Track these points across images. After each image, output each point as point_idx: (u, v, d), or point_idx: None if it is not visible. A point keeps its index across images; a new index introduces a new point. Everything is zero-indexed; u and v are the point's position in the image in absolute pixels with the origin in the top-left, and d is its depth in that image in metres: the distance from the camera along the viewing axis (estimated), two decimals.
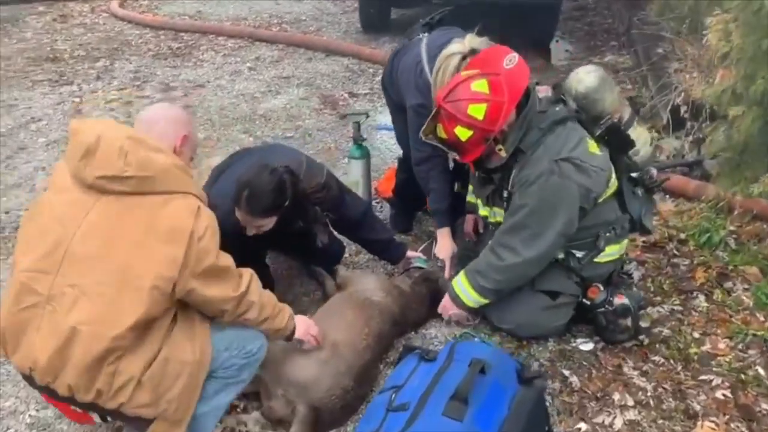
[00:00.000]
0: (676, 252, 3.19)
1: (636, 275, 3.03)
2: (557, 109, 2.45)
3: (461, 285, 2.59)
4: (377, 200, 3.72)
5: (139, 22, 7.60)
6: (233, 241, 2.42)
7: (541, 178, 2.36)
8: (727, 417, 2.28)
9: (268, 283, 2.82)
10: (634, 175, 2.71)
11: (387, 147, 4.24)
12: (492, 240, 2.55)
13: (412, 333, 2.73)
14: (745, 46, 2.82)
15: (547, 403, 2.35)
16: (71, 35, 7.24)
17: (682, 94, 4.06)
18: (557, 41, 7.06)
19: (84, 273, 1.79)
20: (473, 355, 1.99)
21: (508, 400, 1.91)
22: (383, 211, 3.64)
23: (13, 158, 4.31)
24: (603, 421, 2.29)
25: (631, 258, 3.13)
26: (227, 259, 1.96)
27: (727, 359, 2.54)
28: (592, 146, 2.44)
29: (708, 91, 3.16)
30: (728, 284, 2.94)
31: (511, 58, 2.38)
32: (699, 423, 2.26)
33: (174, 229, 1.82)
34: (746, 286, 2.91)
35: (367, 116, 3.41)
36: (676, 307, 2.83)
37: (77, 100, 5.29)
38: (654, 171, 2.81)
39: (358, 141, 3.28)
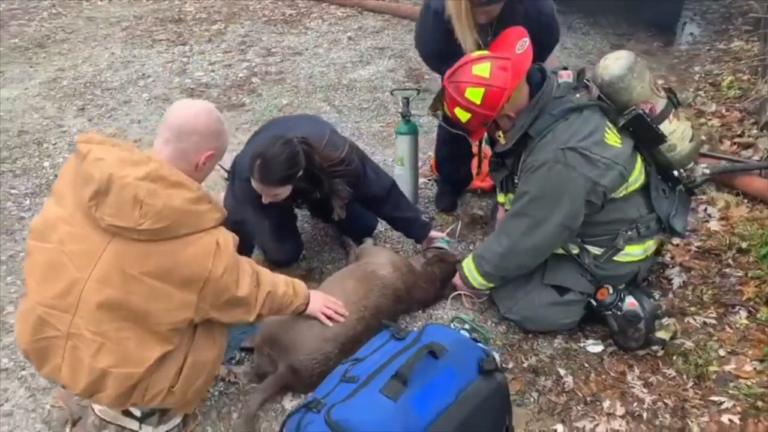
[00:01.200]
0: (730, 262, 2.92)
1: (676, 282, 2.82)
2: (577, 95, 2.33)
3: (468, 267, 2.59)
4: (430, 178, 3.73)
5: None
6: (256, 206, 2.57)
7: (545, 167, 2.27)
8: None
9: (293, 246, 2.98)
10: (674, 173, 2.52)
11: None
12: (498, 225, 2.50)
13: (420, 312, 2.74)
14: None
15: (531, 398, 2.31)
16: None
17: None
18: (684, 23, 6.55)
19: (103, 321, 1.80)
20: (435, 339, 1.99)
21: (458, 388, 1.89)
22: (433, 189, 3.63)
23: (117, 110, 4.75)
24: (584, 427, 2.20)
25: (677, 263, 2.92)
26: (245, 286, 1.94)
27: (749, 383, 2.33)
28: (611, 137, 2.30)
29: None
30: None
31: (523, 43, 2.30)
32: None
33: (190, 276, 1.80)
34: None
35: (418, 92, 3.39)
36: (709, 320, 2.62)
37: (185, 60, 5.68)
38: (700, 170, 2.59)
39: (406, 117, 3.28)
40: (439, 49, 2.82)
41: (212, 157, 1.94)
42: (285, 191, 2.53)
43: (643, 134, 2.35)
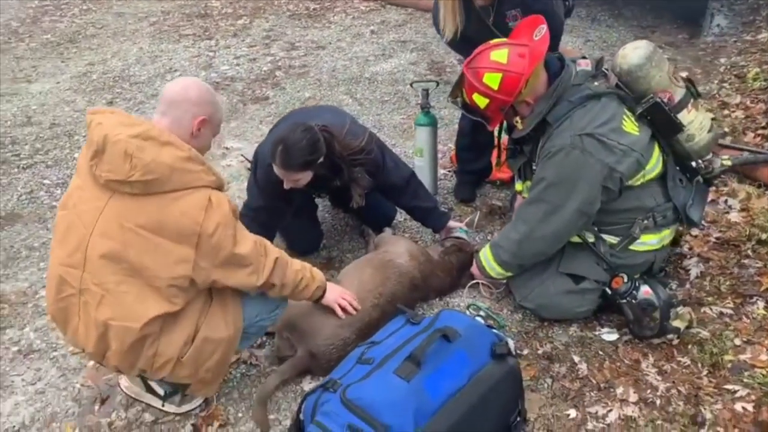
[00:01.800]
0: (750, 253, 2.91)
1: (694, 272, 2.82)
2: (595, 83, 2.36)
3: (485, 256, 2.63)
4: (449, 169, 3.77)
5: None
6: (277, 193, 2.64)
7: (562, 152, 2.30)
8: (736, 430, 2.12)
9: (314, 235, 3.04)
10: (692, 164, 2.53)
11: None
12: (515, 213, 2.53)
13: (437, 300, 2.79)
14: None
15: (545, 384, 2.35)
16: None
17: None
18: (712, 15, 6.47)
19: (104, 273, 1.89)
20: (449, 324, 2.03)
21: (470, 371, 1.94)
22: (453, 180, 3.67)
23: (144, 104, 4.87)
24: (596, 412, 2.23)
25: (695, 253, 2.92)
26: (246, 244, 1.99)
27: (764, 372, 2.33)
28: (629, 125, 2.32)
29: None
30: None
31: (540, 29, 2.34)
32: (701, 431, 2.13)
33: (183, 229, 1.87)
34: None
35: (437, 84, 3.43)
36: (726, 310, 2.62)
37: (211, 54, 5.79)
38: (719, 161, 2.59)
39: (426, 108, 3.33)
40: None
41: (205, 123, 2.02)
42: (305, 177, 2.58)
43: (661, 123, 2.36)
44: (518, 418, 2.06)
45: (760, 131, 3.90)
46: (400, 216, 3.29)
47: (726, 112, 4.21)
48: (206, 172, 1.95)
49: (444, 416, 1.81)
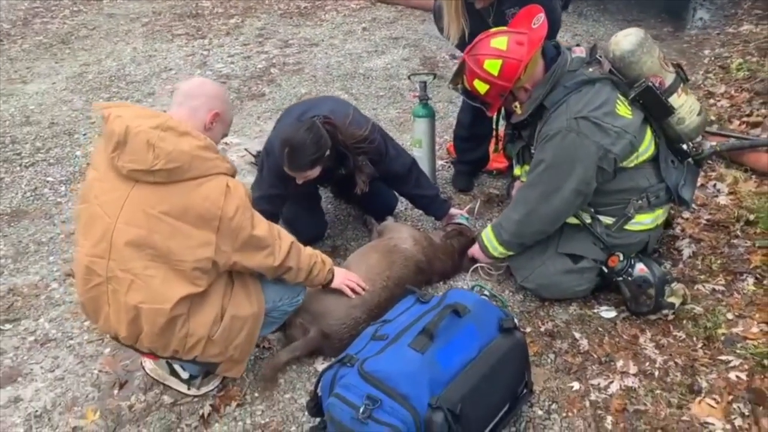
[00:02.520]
0: (738, 233, 3.04)
1: (686, 252, 2.94)
2: (590, 69, 2.46)
3: (488, 236, 2.72)
4: (446, 160, 3.86)
5: None
6: (286, 183, 2.72)
7: (559, 135, 2.40)
8: (731, 397, 2.23)
9: (318, 225, 3.13)
10: (683, 146, 2.65)
11: None
12: (515, 195, 2.63)
13: (440, 283, 2.88)
14: None
15: (548, 359, 2.45)
16: None
17: None
18: (694, 9, 6.63)
19: (131, 259, 1.97)
20: (459, 300, 2.13)
21: (480, 345, 2.03)
22: (450, 170, 3.77)
23: (142, 102, 4.93)
24: (598, 384, 2.33)
25: (687, 234, 3.04)
26: (263, 227, 2.09)
27: (756, 343, 2.45)
28: (622, 108, 2.43)
29: None
30: None
31: (539, 18, 2.44)
32: (698, 399, 2.24)
33: (205, 213, 1.96)
34: None
35: (435, 77, 3.52)
36: (718, 287, 2.74)
37: (205, 53, 5.85)
38: (708, 144, 2.71)
39: (423, 100, 3.42)
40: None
41: (218, 117, 2.12)
42: (316, 172, 2.67)
43: (653, 106, 2.47)
44: (525, 390, 2.16)
45: (744, 119, 4.04)
46: (401, 205, 3.39)
47: (712, 101, 4.35)
48: (221, 159, 2.04)
49: (457, 386, 1.90)
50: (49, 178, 3.91)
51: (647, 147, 2.51)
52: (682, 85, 2.55)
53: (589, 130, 2.36)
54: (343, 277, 2.49)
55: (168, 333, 2.03)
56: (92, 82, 5.33)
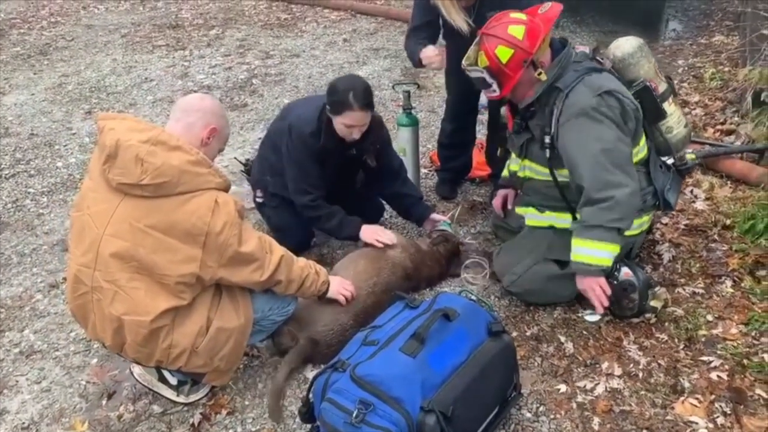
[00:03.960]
0: (716, 237, 3.12)
1: (666, 256, 3.01)
2: (593, 63, 2.53)
3: (585, 250, 2.46)
4: (430, 168, 3.91)
5: None
6: (316, 160, 2.84)
7: (585, 115, 2.37)
8: (713, 396, 2.28)
9: (305, 232, 3.14)
10: (665, 159, 2.71)
11: None
12: (582, 196, 2.47)
13: (427, 290, 2.91)
14: None
15: (535, 363, 2.49)
16: (195, 5, 7.91)
17: None
18: (668, 20, 6.80)
19: (116, 271, 1.98)
20: (448, 305, 2.16)
21: (470, 348, 2.06)
22: (434, 178, 3.81)
23: (122, 113, 4.90)
24: (584, 386, 2.37)
25: (667, 239, 3.11)
26: (251, 243, 2.08)
27: (735, 344, 2.51)
28: None
29: (753, 72, 3.02)
30: (761, 273, 2.85)
31: (546, 5, 2.49)
32: (681, 399, 2.29)
33: (191, 229, 1.96)
34: None
35: (418, 86, 3.57)
36: (698, 290, 2.80)
37: (186, 64, 5.85)
38: (690, 159, 2.78)
39: (407, 109, 3.46)
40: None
41: (215, 133, 2.13)
42: (367, 121, 2.80)
43: (648, 107, 2.55)
44: (514, 392, 2.20)
45: (718, 126, 4.16)
46: (387, 214, 3.41)
47: (687, 109, 4.46)
48: (213, 174, 2.04)
49: (449, 388, 1.92)
50: (30, 190, 3.88)
51: (642, 147, 2.57)
52: (672, 96, 2.63)
53: (614, 103, 2.38)
54: (339, 287, 2.49)
55: (151, 344, 2.04)
56: (72, 93, 5.30)
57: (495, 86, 2.50)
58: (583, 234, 2.45)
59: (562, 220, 2.65)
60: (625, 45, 2.58)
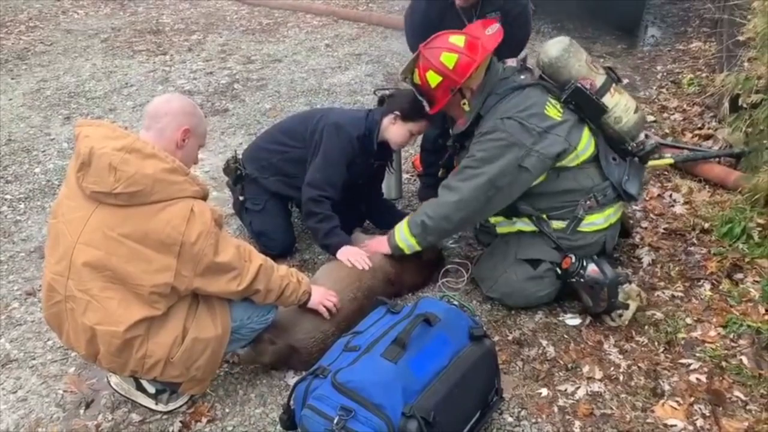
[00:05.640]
0: (695, 241, 3.15)
1: (646, 260, 3.03)
2: (521, 77, 2.60)
3: (401, 232, 2.75)
4: (412, 173, 3.91)
5: None
6: (344, 167, 2.93)
7: (488, 134, 2.52)
8: (692, 399, 2.31)
9: (287, 239, 3.13)
10: (626, 146, 2.74)
11: None
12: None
13: (409, 295, 2.91)
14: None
15: (516, 367, 2.49)
16: (177, 10, 7.86)
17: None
18: (646, 26, 6.88)
19: (89, 280, 1.96)
20: (429, 310, 2.16)
21: (452, 353, 2.06)
22: (416, 183, 3.82)
23: (102, 119, 4.84)
24: (566, 390, 2.38)
25: (646, 243, 3.14)
26: (228, 252, 2.05)
27: (714, 347, 2.54)
28: (552, 111, 2.55)
29: (730, 78, 3.06)
30: (739, 276, 2.89)
31: (493, 27, 2.59)
32: (661, 402, 2.30)
33: (165, 238, 1.93)
34: (757, 279, 2.85)
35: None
36: (677, 293, 2.83)
37: (167, 69, 5.80)
38: (651, 140, 2.81)
39: None
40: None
41: (189, 133, 2.09)
42: None
43: (585, 106, 2.59)
44: (495, 397, 2.20)
45: (696, 131, 4.21)
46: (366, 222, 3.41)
47: (665, 115, 4.52)
48: (190, 182, 2.01)
49: (430, 394, 1.92)
50: (7, 196, 3.82)
51: (585, 146, 2.60)
52: (614, 85, 2.66)
53: (513, 129, 2.48)
54: (320, 297, 2.46)
55: (125, 354, 2.01)
56: (50, 99, 5.24)
57: (426, 105, 2.69)
58: (408, 222, 2.72)
59: (527, 223, 2.73)
60: (551, 50, 2.62)
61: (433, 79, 2.55)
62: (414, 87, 2.71)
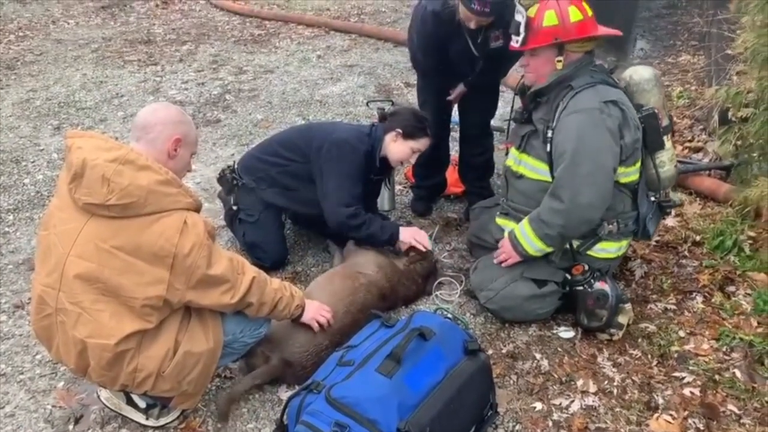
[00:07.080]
0: (687, 254, 3.16)
1: (638, 273, 3.04)
2: (609, 78, 2.59)
3: (524, 232, 2.62)
4: (405, 185, 3.91)
5: (229, 10, 8.14)
6: (360, 179, 2.96)
7: (586, 112, 2.45)
8: (686, 413, 2.30)
9: (280, 251, 3.13)
10: (652, 197, 2.76)
11: None
12: (552, 184, 2.57)
13: (403, 308, 2.90)
14: (758, 47, 2.75)
15: (510, 381, 2.48)
16: (168, 20, 7.86)
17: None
18: (635, 40, 6.94)
19: (80, 292, 1.93)
20: (424, 324, 2.15)
21: (447, 367, 2.05)
22: (409, 195, 3.82)
23: (93, 129, 4.83)
24: (560, 403, 2.37)
25: (638, 256, 3.15)
26: (221, 264, 2.02)
27: (707, 359, 2.54)
28: None
29: (720, 92, 3.09)
30: (731, 288, 2.90)
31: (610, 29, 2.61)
32: (656, 416, 2.30)
33: (158, 251, 1.90)
34: (749, 292, 2.86)
35: (392, 103, 3.57)
36: (669, 306, 2.84)
37: (158, 79, 5.79)
38: (675, 198, 2.85)
39: None
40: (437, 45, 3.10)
41: (180, 142, 2.06)
42: None
43: (650, 133, 2.60)
44: (490, 411, 2.19)
45: (687, 144, 4.24)
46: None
47: None
48: (183, 194, 1.99)
49: (426, 409, 1.91)
50: None
51: (635, 170, 2.60)
52: (670, 134, 2.68)
53: (617, 113, 2.45)
54: (314, 312, 2.43)
55: (116, 367, 1.99)
56: (40, 109, 5.21)
57: (521, 38, 2.56)
58: (532, 222, 2.58)
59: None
60: (644, 72, 2.67)
61: (550, 19, 2.48)
62: (525, 17, 2.53)
